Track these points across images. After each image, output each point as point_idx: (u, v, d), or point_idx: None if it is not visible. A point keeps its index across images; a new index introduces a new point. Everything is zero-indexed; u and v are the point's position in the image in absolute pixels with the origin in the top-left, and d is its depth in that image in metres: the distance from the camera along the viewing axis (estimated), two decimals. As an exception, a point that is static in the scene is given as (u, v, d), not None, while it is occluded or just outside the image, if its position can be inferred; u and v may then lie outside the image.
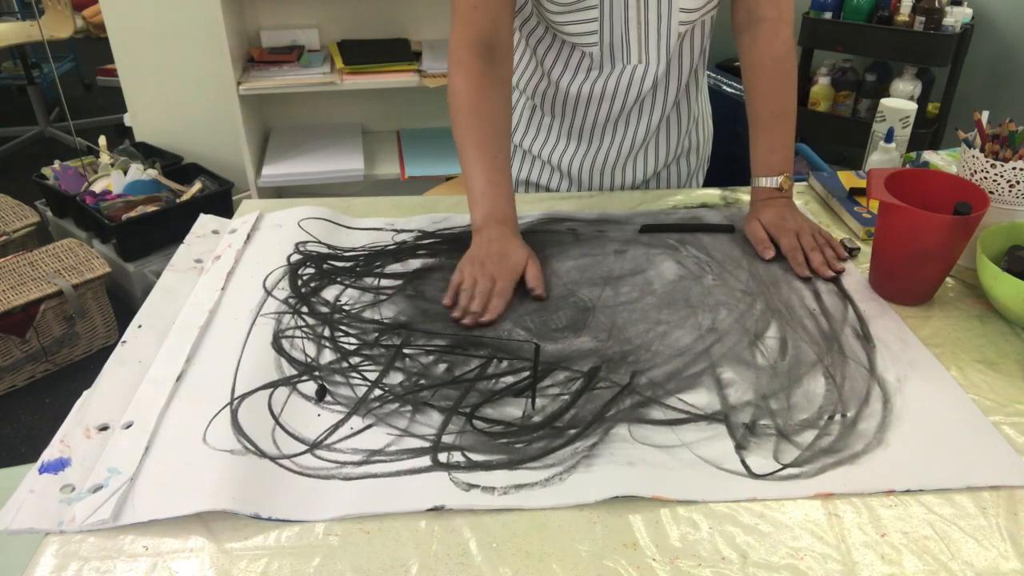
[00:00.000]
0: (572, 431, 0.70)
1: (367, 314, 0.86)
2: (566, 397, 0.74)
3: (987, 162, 0.91)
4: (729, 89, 2.47)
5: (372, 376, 0.77)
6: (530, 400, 0.73)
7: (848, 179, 1.15)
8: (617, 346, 0.81)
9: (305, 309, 0.86)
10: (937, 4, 2.33)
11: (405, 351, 0.80)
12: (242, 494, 0.62)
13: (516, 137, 1.17)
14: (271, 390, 0.74)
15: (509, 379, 0.76)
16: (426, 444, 0.69)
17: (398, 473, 0.66)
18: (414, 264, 0.95)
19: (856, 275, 0.95)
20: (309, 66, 2.45)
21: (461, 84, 0.95)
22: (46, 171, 2.48)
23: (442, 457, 0.67)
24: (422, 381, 0.76)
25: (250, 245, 0.99)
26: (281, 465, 0.66)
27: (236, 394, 0.73)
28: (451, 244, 0.99)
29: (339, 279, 0.92)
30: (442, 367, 0.78)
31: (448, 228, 1.03)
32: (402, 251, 0.98)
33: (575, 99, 1.09)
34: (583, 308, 0.87)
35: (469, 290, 0.86)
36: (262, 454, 0.67)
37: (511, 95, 0.99)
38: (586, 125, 1.12)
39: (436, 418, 0.72)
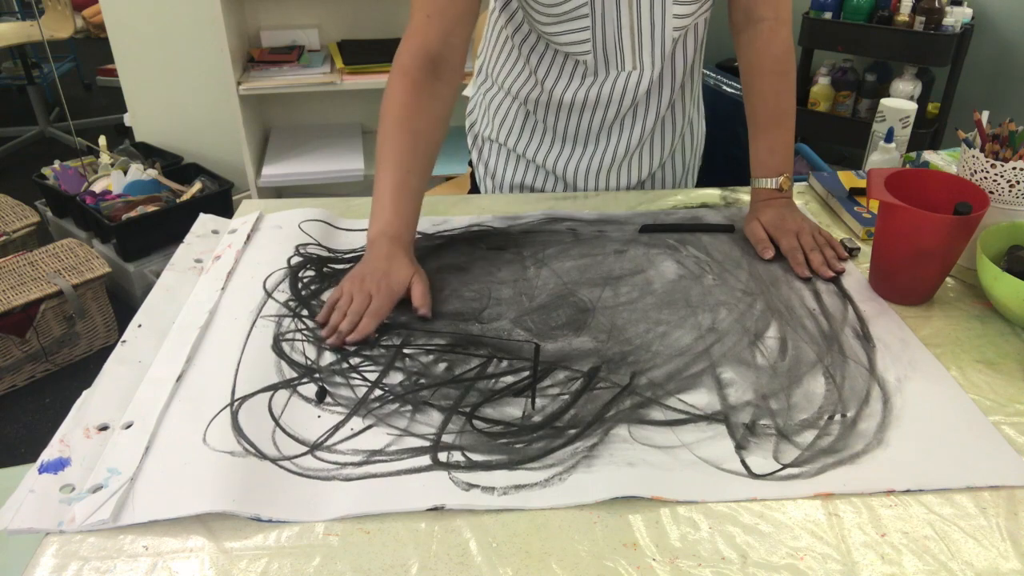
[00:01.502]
0: (572, 431, 0.70)
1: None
2: (566, 397, 0.74)
3: (987, 162, 0.91)
4: (729, 89, 2.47)
5: (372, 376, 0.77)
6: (530, 400, 0.73)
7: (848, 179, 1.14)
8: (617, 346, 0.81)
9: (305, 312, 0.86)
10: (937, 4, 2.33)
11: (405, 351, 0.80)
12: (242, 496, 0.62)
13: (510, 142, 1.16)
14: (271, 393, 0.74)
15: (509, 379, 0.76)
16: (426, 443, 0.69)
17: (398, 473, 0.66)
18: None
19: (856, 275, 0.95)
20: (309, 66, 2.46)
21: (396, 94, 0.92)
22: (46, 171, 2.48)
23: (442, 456, 0.67)
24: (422, 381, 0.76)
25: (250, 246, 0.99)
26: (281, 467, 0.66)
27: (236, 396, 0.73)
28: (452, 243, 0.99)
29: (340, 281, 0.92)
30: (442, 367, 0.78)
31: (448, 230, 1.03)
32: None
33: (569, 106, 1.08)
34: (583, 308, 0.87)
35: (343, 307, 0.83)
36: (262, 456, 0.67)
37: (448, 115, 0.96)
38: (580, 130, 1.11)
39: (436, 418, 0.72)
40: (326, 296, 0.89)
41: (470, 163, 1.26)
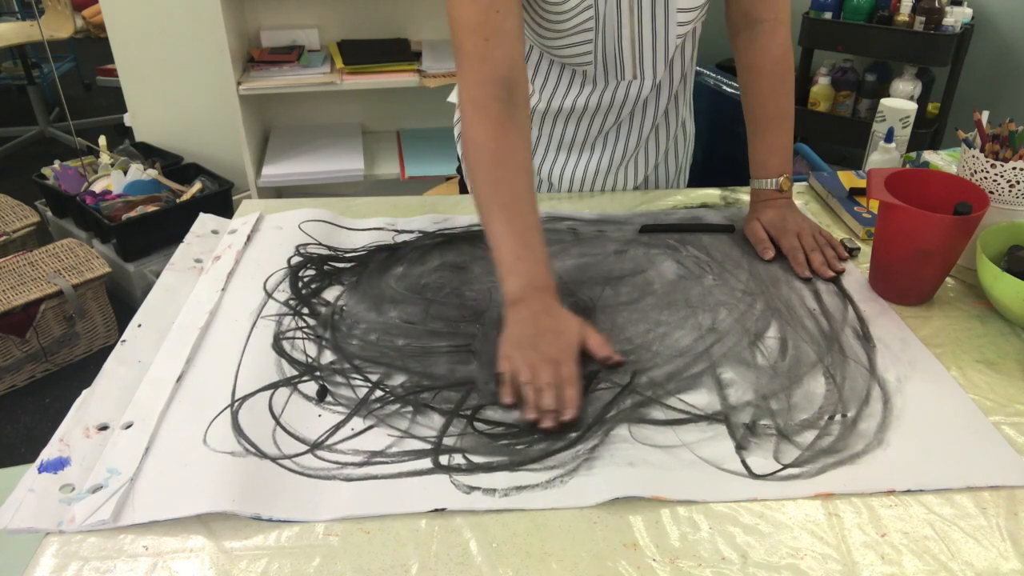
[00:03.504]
0: (573, 434, 0.70)
1: (372, 315, 0.86)
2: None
3: (987, 162, 0.91)
4: (729, 89, 2.47)
5: (373, 377, 0.77)
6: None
7: (848, 179, 1.14)
8: (617, 346, 0.81)
9: (306, 310, 0.86)
10: (937, 4, 2.33)
11: (407, 352, 0.80)
12: (243, 495, 0.62)
13: None
14: (272, 391, 0.74)
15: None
16: (427, 446, 0.69)
17: (399, 475, 0.66)
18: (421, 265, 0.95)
19: (856, 275, 0.95)
20: (309, 66, 2.45)
21: (483, 132, 0.83)
22: (46, 171, 2.48)
23: (443, 459, 0.67)
24: (424, 382, 0.76)
25: (250, 246, 0.99)
26: (282, 466, 0.66)
27: (236, 396, 0.73)
28: (453, 242, 0.99)
29: (342, 280, 0.92)
30: (444, 368, 0.78)
31: (449, 228, 1.03)
32: (404, 250, 0.98)
33: (568, 113, 1.08)
34: (583, 309, 0.87)
35: (533, 382, 0.71)
36: (263, 455, 0.67)
37: (531, 140, 0.87)
38: (577, 137, 1.11)
39: (437, 420, 0.72)
40: (327, 295, 0.89)
41: (458, 169, 1.26)
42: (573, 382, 0.72)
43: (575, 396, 0.71)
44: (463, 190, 1.27)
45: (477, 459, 0.67)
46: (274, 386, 0.75)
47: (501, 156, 0.83)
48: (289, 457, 0.67)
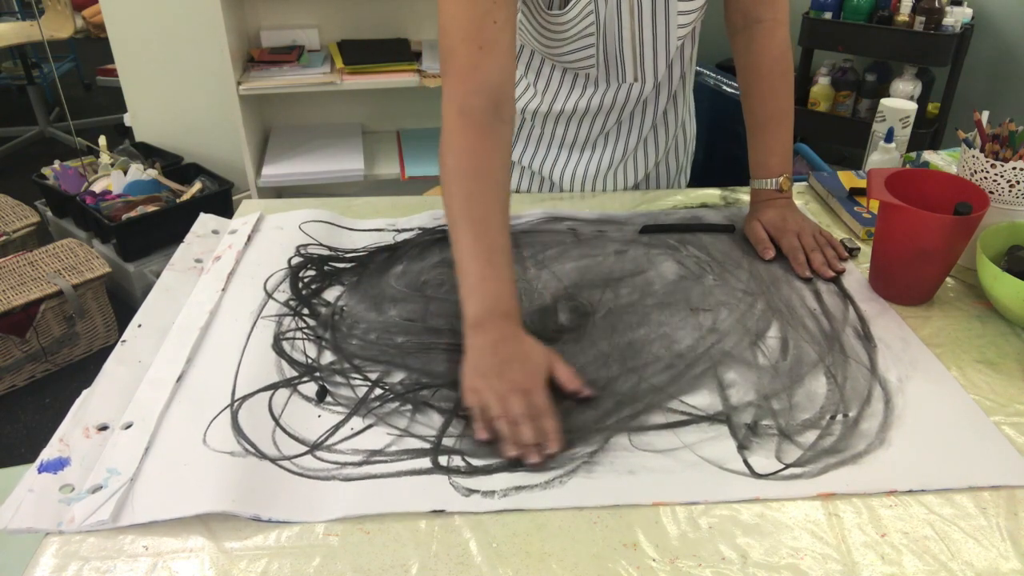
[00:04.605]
0: (571, 436, 0.69)
1: (372, 315, 0.86)
2: (567, 402, 0.74)
3: (987, 162, 0.91)
4: (729, 89, 2.47)
5: (373, 375, 0.77)
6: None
7: (848, 179, 1.14)
8: (617, 350, 0.81)
9: (306, 311, 0.86)
10: (937, 4, 2.33)
11: (407, 350, 0.80)
12: (242, 496, 0.62)
13: None
14: (271, 392, 0.74)
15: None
16: (426, 445, 0.69)
17: (398, 474, 0.66)
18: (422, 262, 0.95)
19: (856, 275, 0.95)
20: (309, 66, 2.45)
21: (466, 142, 0.79)
22: (46, 171, 2.48)
23: (442, 460, 0.67)
24: (423, 380, 0.76)
25: (251, 247, 0.99)
26: (281, 466, 0.66)
27: (236, 396, 0.73)
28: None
29: (342, 280, 0.92)
30: (443, 366, 0.78)
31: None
32: (403, 249, 0.98)
33: (569, 114, 1.08)
34: (583, 310, 0.87)
35: (506, 414, 0.68)
36: (262, 456, 0.67)
37: (511, 159, 0.86)
38: (579, 138, 1.11)
39: (436, 419, 0.71)
40: (327, 295, 0.89)
41: None
42: (549, 412, 0.68)
43: (554, 427, 0.67)
44: None
45: (476, 461, 0.67)
46: (274, 387, 0.75)
47: (480, 169, 0.79)
48: (289, 458, 0.67)
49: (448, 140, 0.81)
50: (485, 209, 0.78)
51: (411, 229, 1.03)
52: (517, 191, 1.18)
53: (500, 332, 0.73)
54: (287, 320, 0.85)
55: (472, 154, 0.79)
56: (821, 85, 2.64)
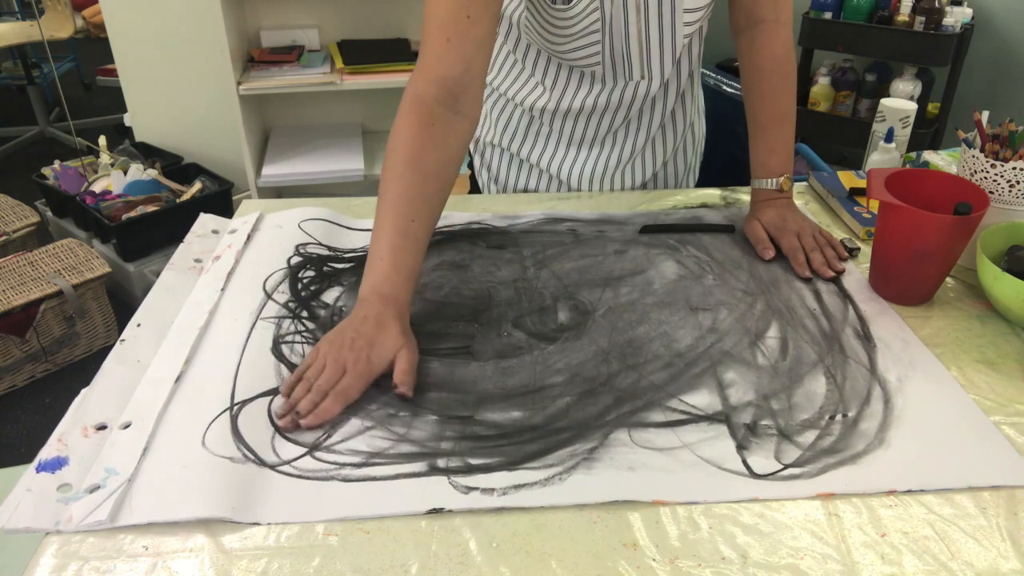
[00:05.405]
0: (570, 433, 0.70)
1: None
2: (566, 399, 0.74)
3: (987, 162, 0.91)
4: (729, 89, 2.47)
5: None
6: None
7: (848, 179, 1.14)
8: (617, 347, 0.81)
9: (305, 313, 0.86)
10: (937, 4, 2.33)
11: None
12: (242, 503, 0.62)
13: (513, 146, 1.16)
14: (271, 397, 0.74)
15: (510, 381, 0.76)
16: (425, 449, 0.68)
17: (397, 476, 0.65)
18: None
19: (856, 275, 0.95)
20: (309, 66, 2.46)
21: (406, 127, 0.81)
22: (46, 171, 2.48)
23: (440, 463, 0.67)
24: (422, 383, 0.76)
25: (250, 246, 0.99)
26: (281, 472, 0.66)
27: (236, 399, 0.73)
28: (452, 239, 0.99)
29: (341, 281, 0.92)
30: (442, 370, 0.78)
31: (448, 226, 1.03)
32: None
33: (577, 112, 1.08)
34: (583, 310, 0.87)
35: (310, 379, 0.72)
36: (262, 463, 0.66)
37: (463, 154, 0.86)
38: (587, 134, 1.11)
39: (434, 423, 0.71)
40: (326, 297, 0.89)
41: (469, 165, 1.26)
42: (341, 397, 0.71)
43: (330, 409, 0.70)
44: (474, 188, 1.27)
45: (475, 461, 0.67)
46: (273, 392, 0.75)
47: (416, 158, 0.81)
48: (288, 462, 0.67)
49: (396, 123, 0.83)
50: (410, 196, 0.80)
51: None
52: (526, 190, 1.18)
53: (371, 311, 0.76)
54: (286, 323, 0.85)
55: (411, 142, 0.81)
56: (821, 85, 2.64)
